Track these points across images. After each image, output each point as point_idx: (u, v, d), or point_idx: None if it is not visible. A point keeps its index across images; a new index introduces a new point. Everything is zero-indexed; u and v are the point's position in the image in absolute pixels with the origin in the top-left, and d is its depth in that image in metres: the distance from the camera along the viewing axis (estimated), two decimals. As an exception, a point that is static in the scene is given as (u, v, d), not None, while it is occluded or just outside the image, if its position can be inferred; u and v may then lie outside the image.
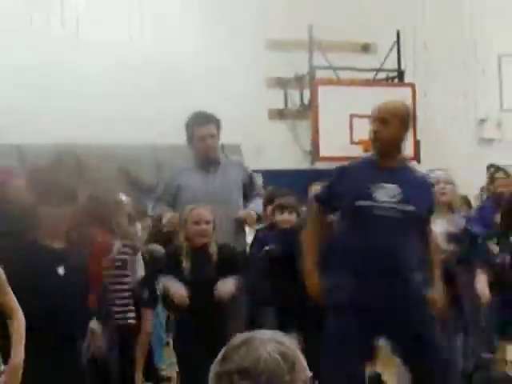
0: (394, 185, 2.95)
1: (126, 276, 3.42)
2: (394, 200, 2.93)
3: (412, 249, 2.93)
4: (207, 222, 3.23)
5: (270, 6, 7.58)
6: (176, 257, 3.30)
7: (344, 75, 7.61)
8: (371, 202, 2.92)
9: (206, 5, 7.50)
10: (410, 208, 2.84)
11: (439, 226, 3.75)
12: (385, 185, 2.97)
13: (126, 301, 3.40)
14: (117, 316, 3.31)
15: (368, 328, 2.82)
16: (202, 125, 3.85)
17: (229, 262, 3.29)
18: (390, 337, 3.03)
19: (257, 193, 4.00)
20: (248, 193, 3.93)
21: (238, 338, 1.25)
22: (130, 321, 3.38)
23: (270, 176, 6.48)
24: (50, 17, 6.83)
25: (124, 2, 7.23)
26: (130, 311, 3.41)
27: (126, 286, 3.41)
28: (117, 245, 3.31)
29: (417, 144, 7.51)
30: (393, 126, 2.95)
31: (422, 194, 3.08)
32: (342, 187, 3.03)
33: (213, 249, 3.27)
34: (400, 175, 3.01)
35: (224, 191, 3.75)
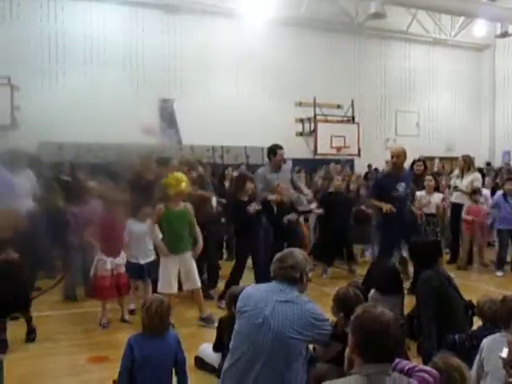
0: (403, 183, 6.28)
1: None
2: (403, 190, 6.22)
3: None
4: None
5: (299, 88, 15.55)
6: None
7: (329, 118, 15.73)
8: (396, 192, 6.22)
9: (271, 87, 15.36)
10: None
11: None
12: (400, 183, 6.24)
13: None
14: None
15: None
16: (281, 149, 6.77)
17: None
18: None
19: (296, 179, 7.18)
20: (293, 180, 6.94)
21: (287, 251, 3.03)
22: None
23: (296, 162, 13.38)
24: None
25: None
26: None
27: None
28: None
29: (359, 149, 15.78)
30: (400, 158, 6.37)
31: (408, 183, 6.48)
32: (380, 189, 6.34)
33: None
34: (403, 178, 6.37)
35: (284, 180, 6.63)
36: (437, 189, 7.85)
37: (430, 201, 7.50)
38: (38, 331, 4.87)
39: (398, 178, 6.25)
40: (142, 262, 5.47)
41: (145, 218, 5.52)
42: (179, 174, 5.22)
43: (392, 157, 6.31)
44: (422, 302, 4.04)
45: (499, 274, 7.76)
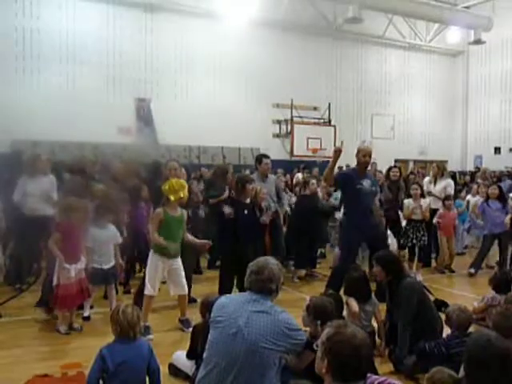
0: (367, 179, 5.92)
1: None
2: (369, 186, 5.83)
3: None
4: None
5: (276, 89, 15.71)
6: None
7: (305, 120, 15.94)
8: (361, 185, 5.80)
9: (249, 88, 15.54)
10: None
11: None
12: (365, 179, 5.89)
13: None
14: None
15: (360, 239, 5.92)
16: (267, 158, 6.88)
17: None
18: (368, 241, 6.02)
19: (281, 191, 7.34)
20: (277, 190, 7.12)
21: (261, 261, 2.97)
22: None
23: (273, 163, 14.20)
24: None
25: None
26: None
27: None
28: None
29: (335, 151, 16.25)
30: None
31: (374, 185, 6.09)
32: (344, 180, 5.85)
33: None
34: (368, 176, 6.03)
35: (270, 189, 6.79)
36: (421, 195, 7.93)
37: (420, 206, 7.58)
38: (7, 336, 4.80)
39: (363, 175, 6.03)
40: (106, 267, 5.49)
41: (106, 223, 5.54)
42: (181, 181, 5.11)
43: (364, 155, 6.06)
44: (404, 307, 4.02)
45: (472, 271, 7.92)
